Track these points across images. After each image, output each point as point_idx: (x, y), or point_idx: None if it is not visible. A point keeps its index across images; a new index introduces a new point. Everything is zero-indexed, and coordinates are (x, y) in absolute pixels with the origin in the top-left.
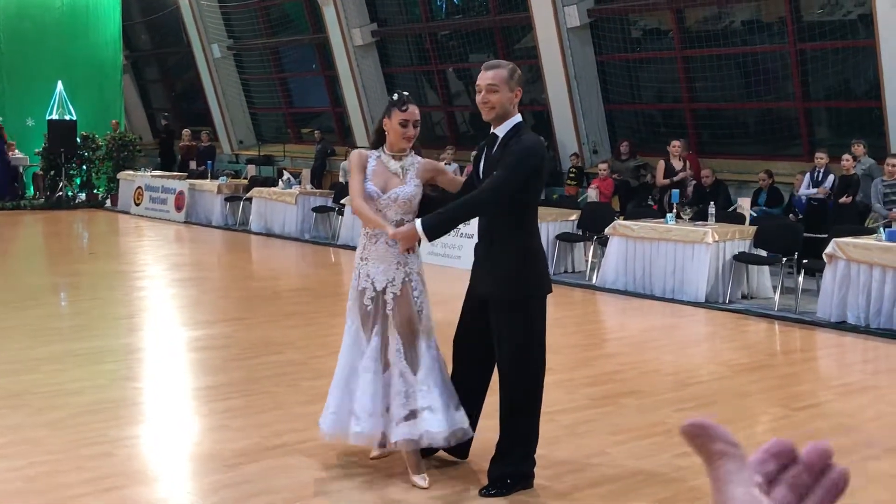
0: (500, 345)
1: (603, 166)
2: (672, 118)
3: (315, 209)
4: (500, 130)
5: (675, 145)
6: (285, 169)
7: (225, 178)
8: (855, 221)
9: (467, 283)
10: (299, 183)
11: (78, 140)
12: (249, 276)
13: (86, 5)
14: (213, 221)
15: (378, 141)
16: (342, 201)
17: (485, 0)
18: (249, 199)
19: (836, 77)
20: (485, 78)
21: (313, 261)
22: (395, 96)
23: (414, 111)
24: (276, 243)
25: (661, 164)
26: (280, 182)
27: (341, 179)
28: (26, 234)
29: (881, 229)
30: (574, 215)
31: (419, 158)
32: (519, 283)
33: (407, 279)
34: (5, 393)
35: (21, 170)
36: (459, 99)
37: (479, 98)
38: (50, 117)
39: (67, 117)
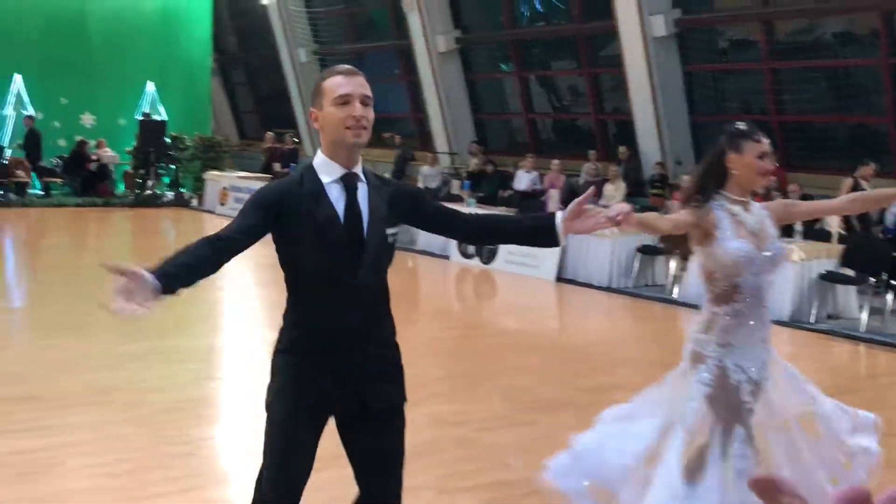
0: (387, 468)
1: (686, 178)
2: (760, 131)
3: None
4: (358, 167)
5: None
6: None
7: None
8: None
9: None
10: None
11: (167, 140)
12: None
13: (177, 9)
14: None
15: (710, 184)
16: None
17: (569, 7)
18: None
19: None
20: (359, 85)
21: (391, 266)
22: (742, 125)
23: (767, 141)
24: None
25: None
26: None
27: (421, 185)
28: (115, 230)
29: None
30: None
31: (755, 206)
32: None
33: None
34: (91, 389)
35: (111, 167)
36: (541, 106)
37: (350, 112)
38: (140, 117)
39: (157, 117)
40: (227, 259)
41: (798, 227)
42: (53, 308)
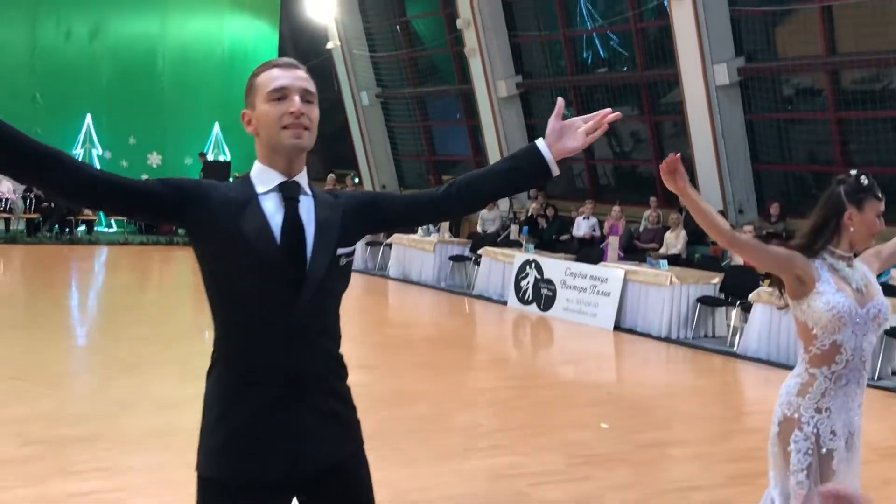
0: None
1: (748, 228)
2: (824, 181)
3: (452, 258)
4: (302, 177)
5: None
6: None
7: None
8: None
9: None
10: (438, 231)
11: (231, 179)
12: (385, 323)
13: (245, 51)
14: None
15: (823, 239)
16: (480, 252)
17: (632, 54)
18: (389, 245)
19: None
20: (297, 78)
21: (448, 310)
22: (865, 179)
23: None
24: (413, 290)
25: None
26: (419, 229)
27: (479, 229)
28: (178, 270)
29: None
30: (717, 278)
31: (857, 259)
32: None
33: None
34: (152, 431)
35: None
36: (602, 151)
37: (287, 108)
38: (206, 156)
39: (222, 157)
40: (85, 181)
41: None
42: (116, 347)
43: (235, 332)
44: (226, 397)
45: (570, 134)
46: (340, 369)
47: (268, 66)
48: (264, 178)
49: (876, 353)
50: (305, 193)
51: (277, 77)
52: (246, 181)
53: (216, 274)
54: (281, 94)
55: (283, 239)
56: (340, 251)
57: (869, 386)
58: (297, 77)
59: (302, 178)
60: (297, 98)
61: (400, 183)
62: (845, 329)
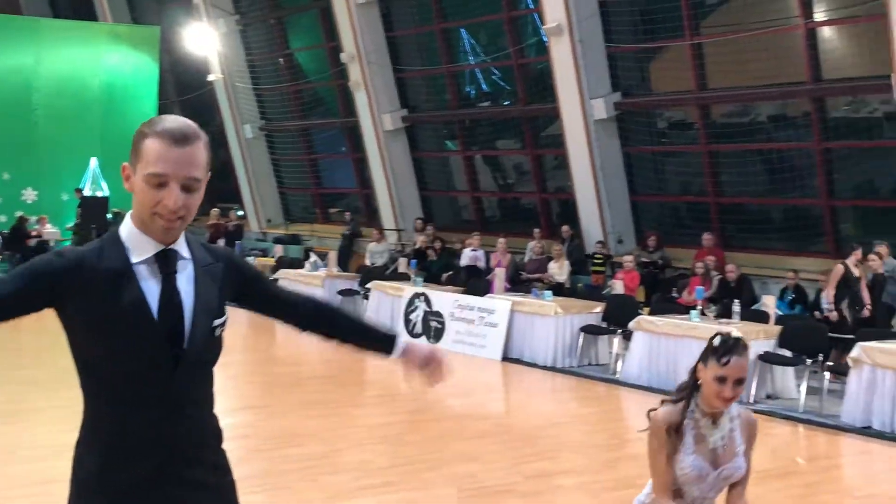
0: None
1: (628, 258)
2: (698, 211)
3: (341, 292)
4: (180, 242)
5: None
6: (312, 251)
7: (252, 258)
8: (882, 321)
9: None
10: (325, 265)
11: (109, 216)
12: (273, 361)
13: (123, 84)
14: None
15: (688, 389)
16: (369, 285)
17: (514, 88)
18: (276, 280)
19: (862, 175)
20: (184, 163)
21: (338, 346)
22: (718, 339)
23: (738, 367)
24: None
25: (840, 269)
26: (307, 264)
27: (367, 262)
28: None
29: None
30: (599, 307)
31: (734, 409)
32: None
33: None
34: (31, 480)
35: (52, 244)
36: (487, 183)
37: (163, 198)
38: (82, 191)
39: (100, 193)
40: None
41: (736, 307)
42: None
43: (108, 406)
44: (99, 471)
45: (433, 364)
46: (216, 437)
47: (159, 132)
48: (138, 245)
49: (750, 378)
50: (184, 258)
51: (162, 158)
52: (117, 245)
53: (86, 347)
54: (160, 181)
55: (160, 315)
56: (216, 322)
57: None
58: (184, 162)
59: (180, 244)
60: (176, 191)
61: (286, 216)
62: (692, 487)
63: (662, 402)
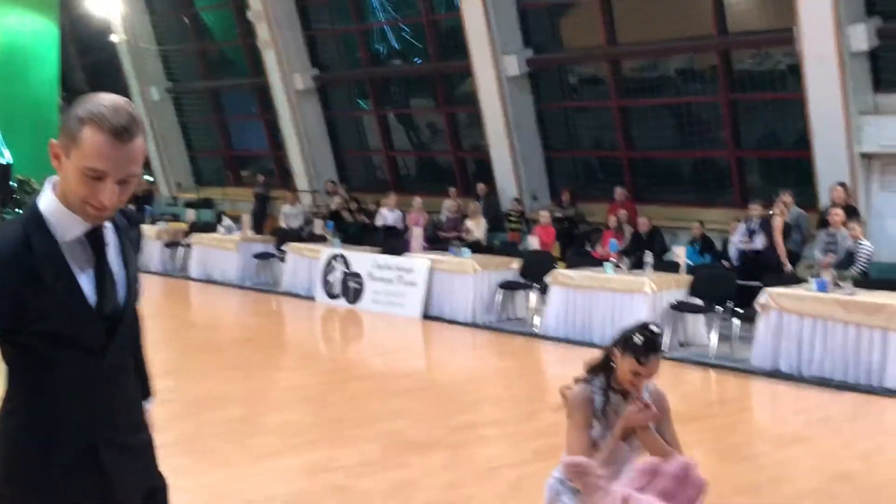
0: None
1: (544, 213)
2: (610, 166)
3: (256, 255)
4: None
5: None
6: (225, 214)
7: (164, 223)
8: (779, 268)
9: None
10: (240, 229)
11: (13, 184)
12: (190, 326)
13: (23, 46)
14: (151, 267)
15: (601, 369)
16: (285, 248)
17: (425, 46)
18: (189, 245)
19: (766, 127)
20: (125, 161)
21: (255, 309)
22: (640, 339)
23: (655, 365)
24: (217, 290)
25: (779, 220)
26: (220, 228)
27: (282, 225)
28: None
29: (811, 279)
30: (516, 263)
31: (647, 386)
32: None
33: None
34: None
35: None
36: (401, 143)
37: (97, 193)
38: None
39: (2, 161)
40: None
41: (648, 259)
42: None
43: (41, 383)
44: (34, 446)
45: None
46: (139, 400)
47: (101, 124)
48: (66, 223)
49: (662, 328)
50: (107, 227)
51: (103, 155)
52: (41, 227)
53: (16, 332)
54: (97, 176)
55: (98, 295)
56: (139, 288)
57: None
58: (126, 159)
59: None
60: (113, 187)
61: (197, 180)
62: (597, 458)
63: (576, 380)
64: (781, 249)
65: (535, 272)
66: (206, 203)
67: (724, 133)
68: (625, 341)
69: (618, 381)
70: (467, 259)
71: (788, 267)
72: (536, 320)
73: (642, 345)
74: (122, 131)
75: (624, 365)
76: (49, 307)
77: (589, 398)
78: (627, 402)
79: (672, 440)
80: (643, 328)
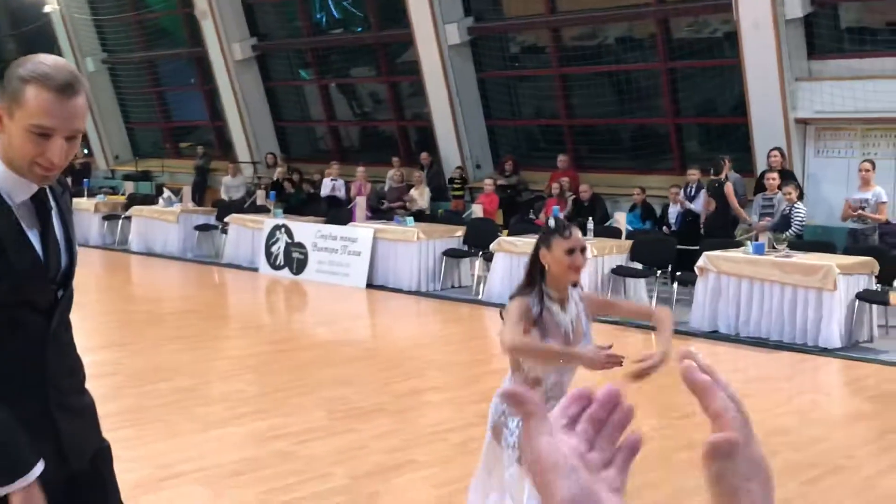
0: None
1: (487, 182)
2: (551, 134)
3: (198, 227)
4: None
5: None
6: (165, 187)
7: (102, 196)
8: (725, 232)
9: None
10: (180, 200)
11: None
12: (132, 299)
13: None
14: (90, 241)
15: (534, 279)
16: (226, 219)
17: (366, 14)
18: (129, 218)
19: (704, 94)
20: (70, 116)
21: (197, 281)
22: (553, 222)
23: (578, 236)
24: (158, 263)
25: (730, 186)
26: (161, 200)
27: (223, 196)
28: None
29: (748, 243)
30: (460, 231)
31: (576, 294)
32: None
33: None
34: None
35: None
36: (343, 113)
37: (45, 151)
38: None
39: None
40: None
41: (590, 225)
42: None
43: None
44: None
45: None
46: (80, 361)
47: (44, 81)
48: (15, 187)
49: (599, 291)
50: (54, 193)
51: (49, 112)
52: None
53: None
54: (43, 133)
55: (45, 257)
56: (76, 251)
57: (599, 321)
58: (71, 114)
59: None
60: (61, 144)
61: (135, 152)
62: (549, 370)
63: (511, 297)
64: (739, 210)
65: (478, 240)
66: (144, 176)
67: (663, 100)
68: (543, 236)
69: (554, 284)
70: (411, 228)
71: (750, 220)
72: (481, 288)
73: (557, 224)
74: (66, 87)
75: (556, 253)
76: (6, 269)
77: (526, 306)
78: (564, 311)
79: (631, 305)
80: (550, 218)
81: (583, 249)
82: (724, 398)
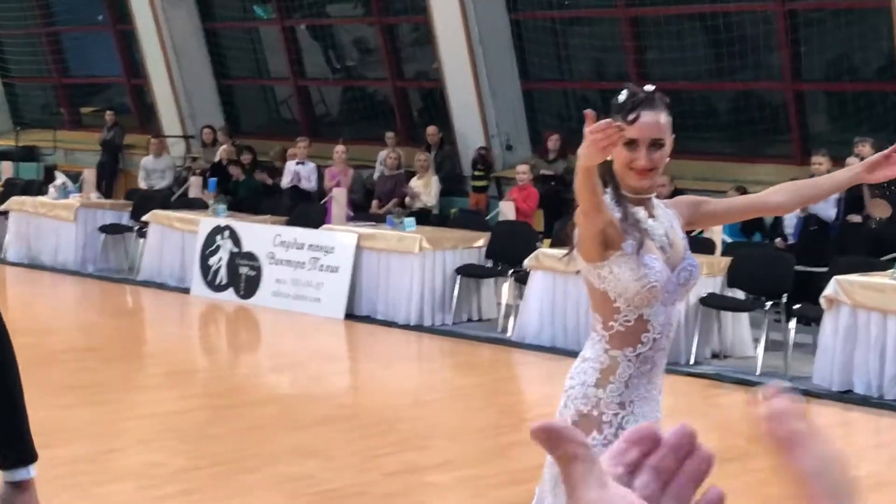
0: None
1: (522, 169)
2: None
3: (104, 229)
4: None
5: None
6: (57, 169)
7: None
8: (865, 250)
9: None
10: (80, 190)
11: None
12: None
13: None
14: None
15: (605, 176)
16: (145, 218)
17: None
18: (3, 214)
19: (838, 48)
20: None
21: (103, 306)
22: (624, 93)
23: (652, 124)
24: (46, 280)
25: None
26: (51, 188)
27: (142, 185)
28: None
29: None
30: (481, 240)
31: (662, 202)
32: None
33: None
34: None
35: None
36: (316, 68)
37: None
38: None
39: None
40: None
41: None
42: None
43: None
44: None
45: None
46: None
47: None
48: None
49: (683, 329)
50: None
51: None
52: None
53: None
54: None
55: None
56: None
57: (684, 373)
58: None
59: None
60: None
61: (15, 120)
62: (656, 302)
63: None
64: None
65: (508, 253)
66: (29, 154)
67: (778, 57)
68: (612, 116)
69: (625, 185)
70: (412, 234)
71: None
72: (510, 322)
73: (628, 98)
74: None
75: (617, 147)
76: None
77: (608, 216)
78: (654, 218)
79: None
80: (627, 86)
81: (655, 144)
82: (820, 457)
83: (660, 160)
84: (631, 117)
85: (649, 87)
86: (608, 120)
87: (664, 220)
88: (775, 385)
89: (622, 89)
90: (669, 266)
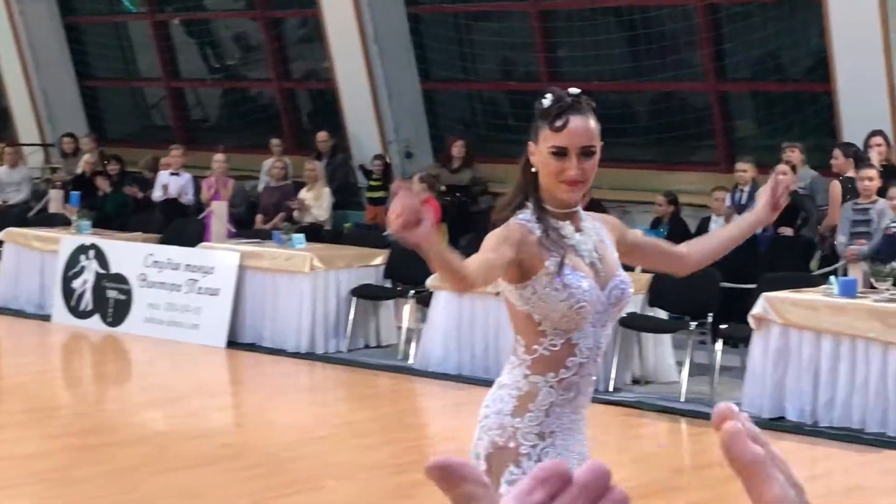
0: None
1: (417, 178)
2: (523, 104)
3: None
4: None
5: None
6: None
7: None
8: (796, 264)
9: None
10: None
11: None
12: None
13: None
14: None
15: (525, 188)
16: None
17: None
18: None
19: (765, 46)
20: None
21: None
22: (549, 98)
23: (582, 130)
24: None
25: (837, 184)
26: None
27: None
28: None
29: (832, 279)
30: (379, 258)
31: (589, 214)
32: None
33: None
34: None
35: None
36: (192, 67)
37: None
38: None
39: None
40: None
41: None
42: None
43: None
44: None
45: None
46: None
47: None
48: None
49: (606, 357)
50: None
51: None
52: None
53: None
54: None
55: None
56: None
57: (603, 402)
58: None
59: None
60: None
61: None
62: (585, 323)
63: (493, 223)
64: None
65: (409, 272)
66: None
67: (699, 55)
68: (534, 121)
69: (550, 197)
70: (301, 251)
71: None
72: (411, 348)
73: (552, 103)
74: None
75: (542, 152)
76: None
77: (523, 229)
78: (581, 232)
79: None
80: (551, 91)
81: (585, 152)
82: (784, 483)
83: (591, 169)
84: (558, 124)
85: (574, 91)
86: (396, 182)
87: (592, 233)
88: (726, 407)
89: (546, 93)
90: (600, 284)
